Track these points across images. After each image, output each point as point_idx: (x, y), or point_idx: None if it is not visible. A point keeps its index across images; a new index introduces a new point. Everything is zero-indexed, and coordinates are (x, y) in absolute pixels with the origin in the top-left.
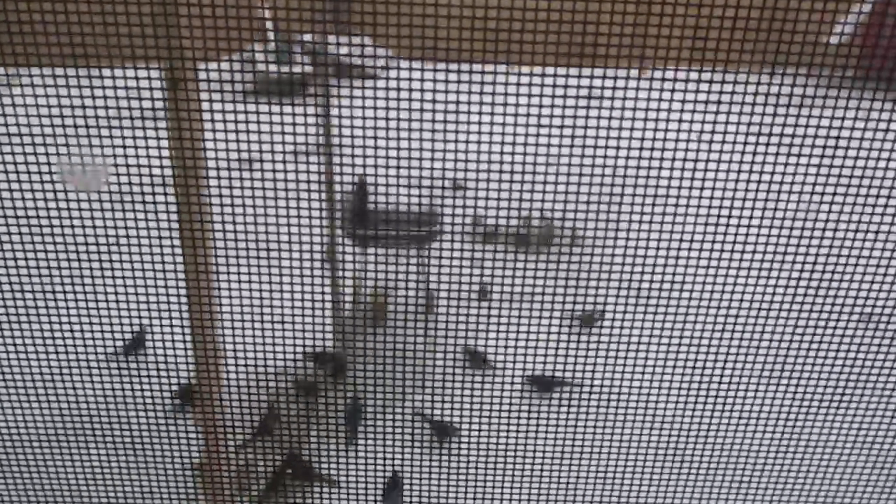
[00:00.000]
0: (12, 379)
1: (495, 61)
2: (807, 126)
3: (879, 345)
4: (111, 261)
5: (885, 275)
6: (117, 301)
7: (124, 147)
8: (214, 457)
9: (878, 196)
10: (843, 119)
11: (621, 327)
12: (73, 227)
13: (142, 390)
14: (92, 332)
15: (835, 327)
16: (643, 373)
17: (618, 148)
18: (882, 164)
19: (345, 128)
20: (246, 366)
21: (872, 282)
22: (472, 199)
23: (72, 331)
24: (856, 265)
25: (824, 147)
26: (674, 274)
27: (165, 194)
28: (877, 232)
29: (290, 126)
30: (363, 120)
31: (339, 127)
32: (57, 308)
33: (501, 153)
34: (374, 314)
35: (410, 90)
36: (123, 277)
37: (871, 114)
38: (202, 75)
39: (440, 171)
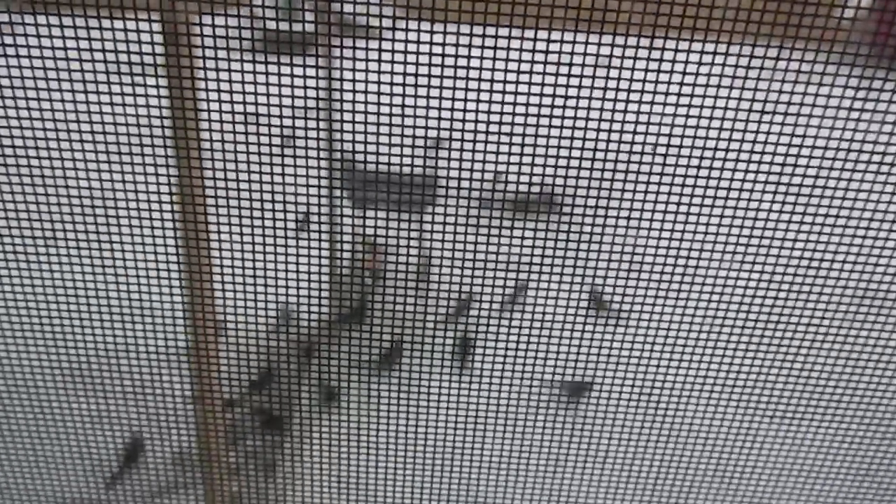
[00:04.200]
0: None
1: (503, 24)
2: (814, 105)
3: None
4: (102, 215)
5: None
6: (113, 258)
7: (118, 102)
8: (211, 417)
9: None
10: (852, 98)
11: (640, 314)
12: (63, 178)
13: (135, 348)
14: (83, 286)
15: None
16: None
17: (623, 122)
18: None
19: (346, 90)
20: (242, 323)
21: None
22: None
23: (61, 286)
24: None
25: (837, 122)
26: (679, 257)
27: (152, 145)
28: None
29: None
30: (369, 83)
31: (341, 88)
32: (48, 260)
33: (501, 115)
34: (369, 275)
35: (417, 52)
36: (112, 233)
37: (881, 94)
38: (201, 30)
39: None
